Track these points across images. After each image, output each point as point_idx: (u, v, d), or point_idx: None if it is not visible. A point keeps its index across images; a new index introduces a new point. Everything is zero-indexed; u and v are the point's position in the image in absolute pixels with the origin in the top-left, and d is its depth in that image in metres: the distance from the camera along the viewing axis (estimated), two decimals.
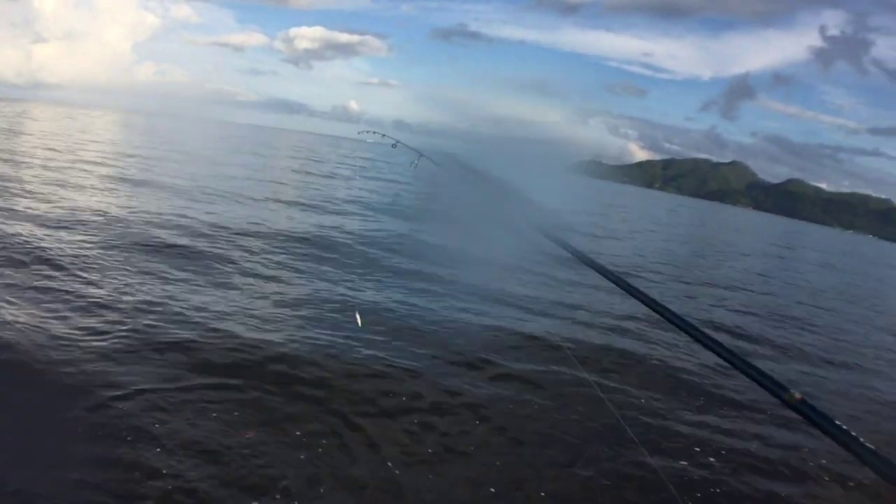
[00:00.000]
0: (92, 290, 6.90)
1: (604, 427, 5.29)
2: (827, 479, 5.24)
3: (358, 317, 6.68)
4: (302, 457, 4.25)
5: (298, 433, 4.52)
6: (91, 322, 5.99)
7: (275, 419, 4.66)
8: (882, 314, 17.44)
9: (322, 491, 3.94)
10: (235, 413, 4.65)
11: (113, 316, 6.23)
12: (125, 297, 6.85)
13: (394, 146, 7.41)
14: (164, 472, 3.84)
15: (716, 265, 20.86)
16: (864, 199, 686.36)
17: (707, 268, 19.16)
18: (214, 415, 4.56)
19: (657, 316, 1.89)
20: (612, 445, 5.01)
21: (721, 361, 1.59)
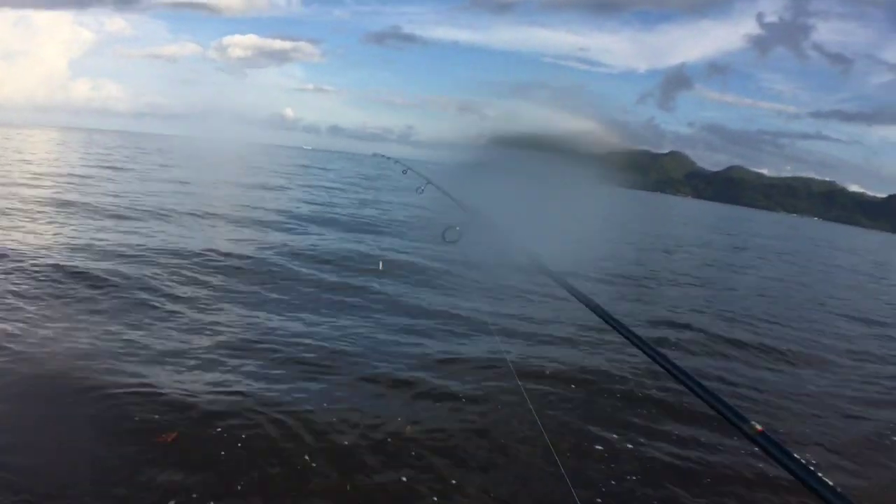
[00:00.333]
0: None
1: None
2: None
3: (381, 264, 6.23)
4: None
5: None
6: None
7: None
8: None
9: None
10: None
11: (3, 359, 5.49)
12: (26, 338, 6.08)
13: (404, 172, 7.39)
14: None
15: (666, 261, 20.54)
16: (807, 183, 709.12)
17: (657, 264, 18.74)
18: None
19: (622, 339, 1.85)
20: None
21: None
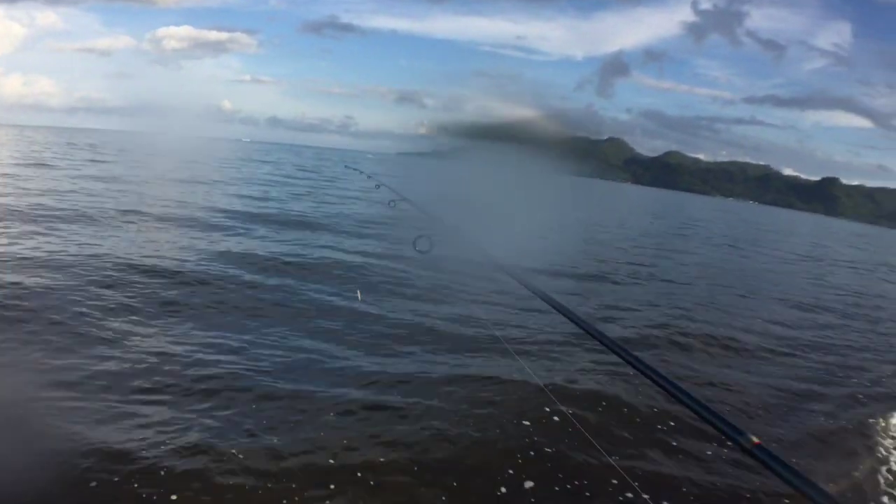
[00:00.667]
0: None
1: None
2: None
3: (359, 293, 5.94)
4: None
5: None
6: None
7: None
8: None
9: None
10: None
11: None
12: None
13: (377, 187, 7.30)
14: None
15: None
16: (743, 167, 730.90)
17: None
18: None
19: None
20: None
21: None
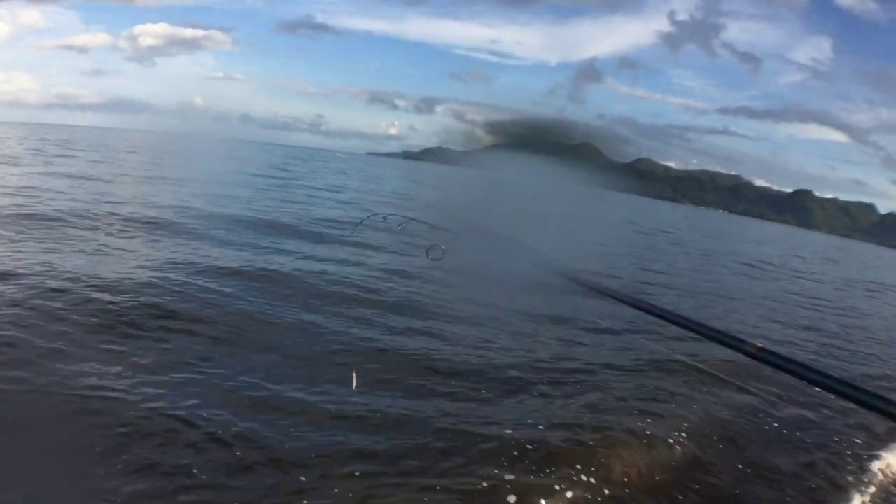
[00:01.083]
0: None
1: None
2: None
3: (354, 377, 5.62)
4: None
5: None
6: None
7: None
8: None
9: None
10: None
11: None
12: None
13: (385, 219, 7.18)
14: None
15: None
16: (713, 176, 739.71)
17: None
18: None
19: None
20: None
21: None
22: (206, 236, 13.19)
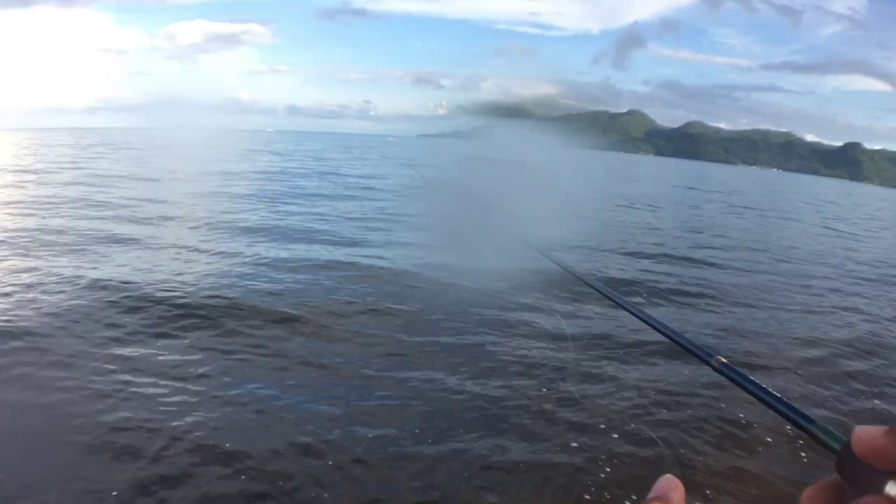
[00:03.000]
0: None
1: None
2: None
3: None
4: None
5: None
6: None
7: None
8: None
9: None
10: None
11: None
12: None
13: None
14: None
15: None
16: (765, 135, 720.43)
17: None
18: None
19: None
20: None
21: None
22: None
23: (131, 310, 7.43)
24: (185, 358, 6.07)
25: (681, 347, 1.49)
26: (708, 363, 1.35)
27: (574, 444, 4.79)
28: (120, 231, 12.51)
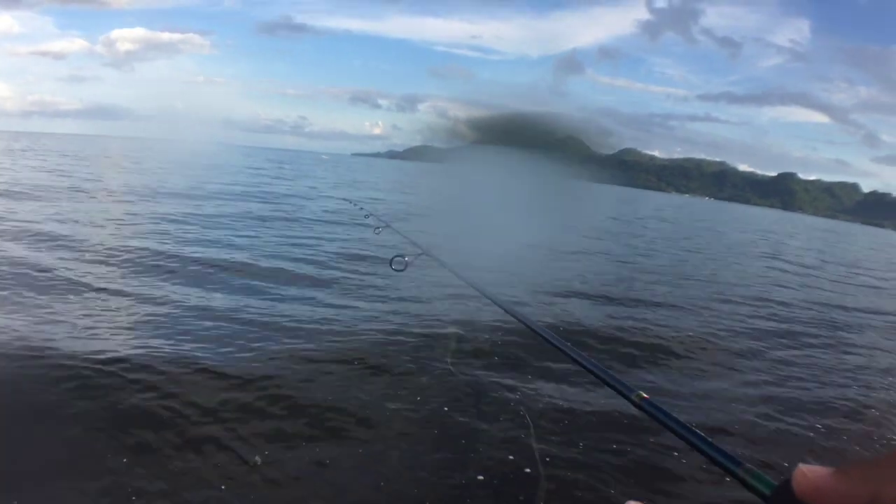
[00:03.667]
0: None
1: None
2: None
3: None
4: None
5: None
6: None
7: None
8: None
9: None
10: None
11: None
12: None
13: (366, 216, 7.54)
14: None
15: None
16: (699, 164, 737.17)
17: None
18: None
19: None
20: None
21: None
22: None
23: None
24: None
25: (600, 381, 1.51)
26: (627, 397, 1.37)
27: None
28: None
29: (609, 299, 11.34)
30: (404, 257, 3.50)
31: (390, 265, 3.46)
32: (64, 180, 24.84)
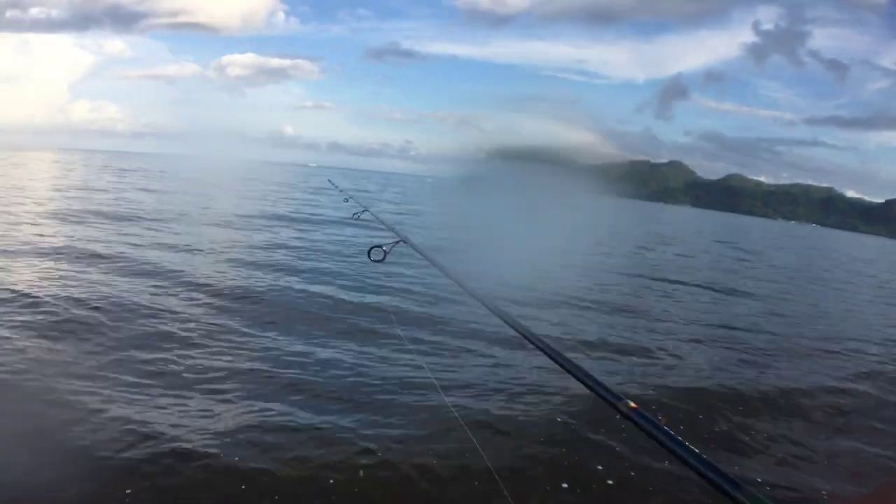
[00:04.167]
0: None
1: None
2: None
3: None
4: None
5: None
6: None
7: None
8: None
9: None
10: None
11: None
12: None
13: (346, 201, 7.73)
14: None
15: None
16: (805, 189, 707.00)
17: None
18: None
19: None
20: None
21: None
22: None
23: None
24: None
25: (588, 389, 1.44)
26: (615, 406, 1.31)
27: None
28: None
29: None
30: (381, 247, 3.52)
31: (368, 255, 3.48)
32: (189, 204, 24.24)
